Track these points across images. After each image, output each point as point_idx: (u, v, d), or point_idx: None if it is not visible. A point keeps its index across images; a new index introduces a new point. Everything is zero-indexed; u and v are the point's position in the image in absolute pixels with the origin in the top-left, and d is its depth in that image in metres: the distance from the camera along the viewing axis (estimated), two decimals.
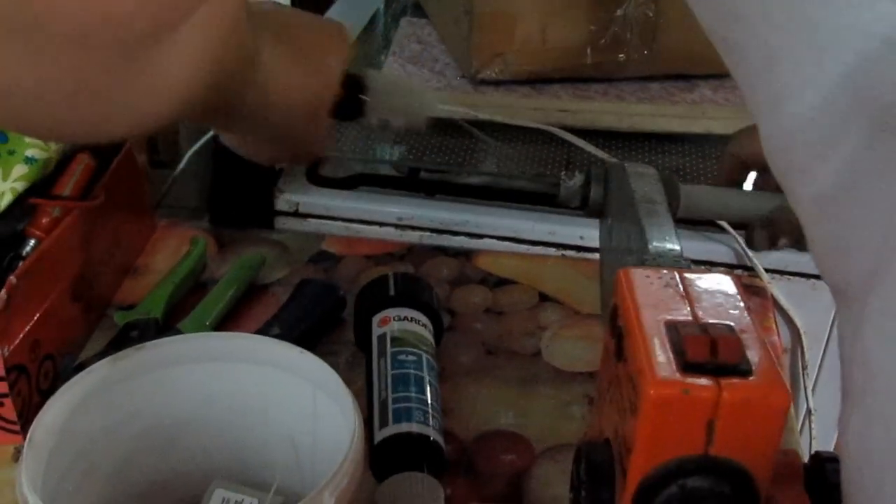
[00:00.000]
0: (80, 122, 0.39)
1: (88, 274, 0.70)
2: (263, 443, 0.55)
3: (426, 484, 0.56)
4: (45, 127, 0.40)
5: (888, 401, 0.31)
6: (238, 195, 0.88)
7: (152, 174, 0.82)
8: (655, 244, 0.51)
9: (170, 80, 0.40)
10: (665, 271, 0.41)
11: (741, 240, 0.82)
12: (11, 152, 0.63)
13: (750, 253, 0.82)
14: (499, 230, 0.86)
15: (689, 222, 0.76)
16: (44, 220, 0.66)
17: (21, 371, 0.61)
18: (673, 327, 0.37)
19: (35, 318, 0.62)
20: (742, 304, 0.40)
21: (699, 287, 0.40)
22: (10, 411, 0.60)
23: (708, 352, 0.35)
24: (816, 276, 0.79)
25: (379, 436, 0.59)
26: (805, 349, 0.85)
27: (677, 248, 0.51)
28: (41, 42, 0.33)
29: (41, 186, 0.66)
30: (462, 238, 0.86)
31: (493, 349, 0.73)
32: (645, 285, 0.40)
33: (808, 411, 0.85)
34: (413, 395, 0.61)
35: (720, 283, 0.41)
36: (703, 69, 0.99)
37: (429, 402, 0.61)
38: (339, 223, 0.87)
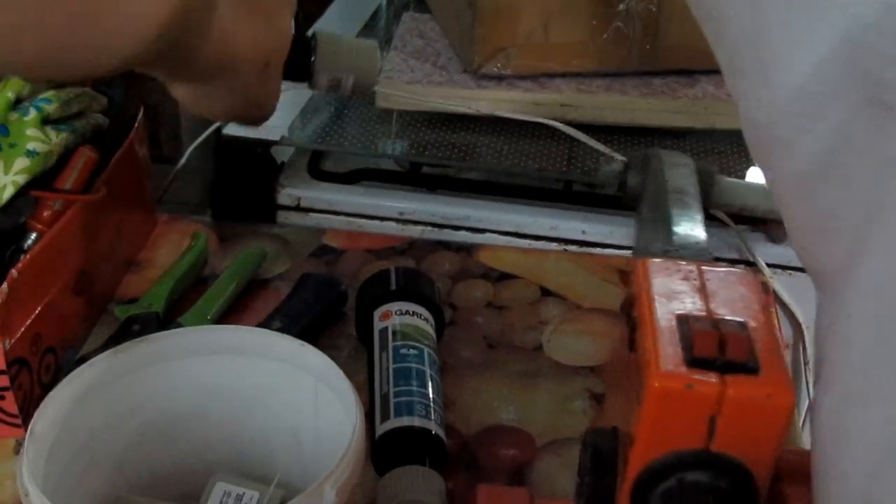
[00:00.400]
0: (42, 51, 0.38)
1: (90, 268, 0.70)
2: (265, 436, 0.55)
3: (428, 478, 0.56)
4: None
5: (866, 378, 0.31)
6: (239, 190, 0.88)
7: (154, 169, 0.82)
8: (680, 235, 0.51)
9: (141, 6, 0.39)
10: (684, 264, 0.41)
11: (742, 234, 0.82)
12: (13, 145, 0.63)
13: (751, 247, 0.82)
14: (500, 225, 0.86)
15: None
16: (45, 214, 0.66)
17: (22, 364, 0.61)
18: (684, 321, 0.37)
19: (36, 311, 0.63)
20: (758, 302, 0.39)
21: (717, 282, 0.40)
22: (11, 404, 0.61)
23: (716, 348, 0.35)
24: None
25: (380, 429, 0.59)
26: (807, 344, 0.84)
27: (702, 240, 0.51)
28: None
29: (43, 179, 0.65)
30: (464, 233, 0.86)
31: (495, 343, 0.73)
32: (662, 277, 0.40)
33: (810, 406, 0.85)
34: (415, 388, 0.61)
35: (739, 280, 0.40)
36: (705, 64, 0.98)
37: (430, 396, 0.61)
38: (341, 218, 0.87)
